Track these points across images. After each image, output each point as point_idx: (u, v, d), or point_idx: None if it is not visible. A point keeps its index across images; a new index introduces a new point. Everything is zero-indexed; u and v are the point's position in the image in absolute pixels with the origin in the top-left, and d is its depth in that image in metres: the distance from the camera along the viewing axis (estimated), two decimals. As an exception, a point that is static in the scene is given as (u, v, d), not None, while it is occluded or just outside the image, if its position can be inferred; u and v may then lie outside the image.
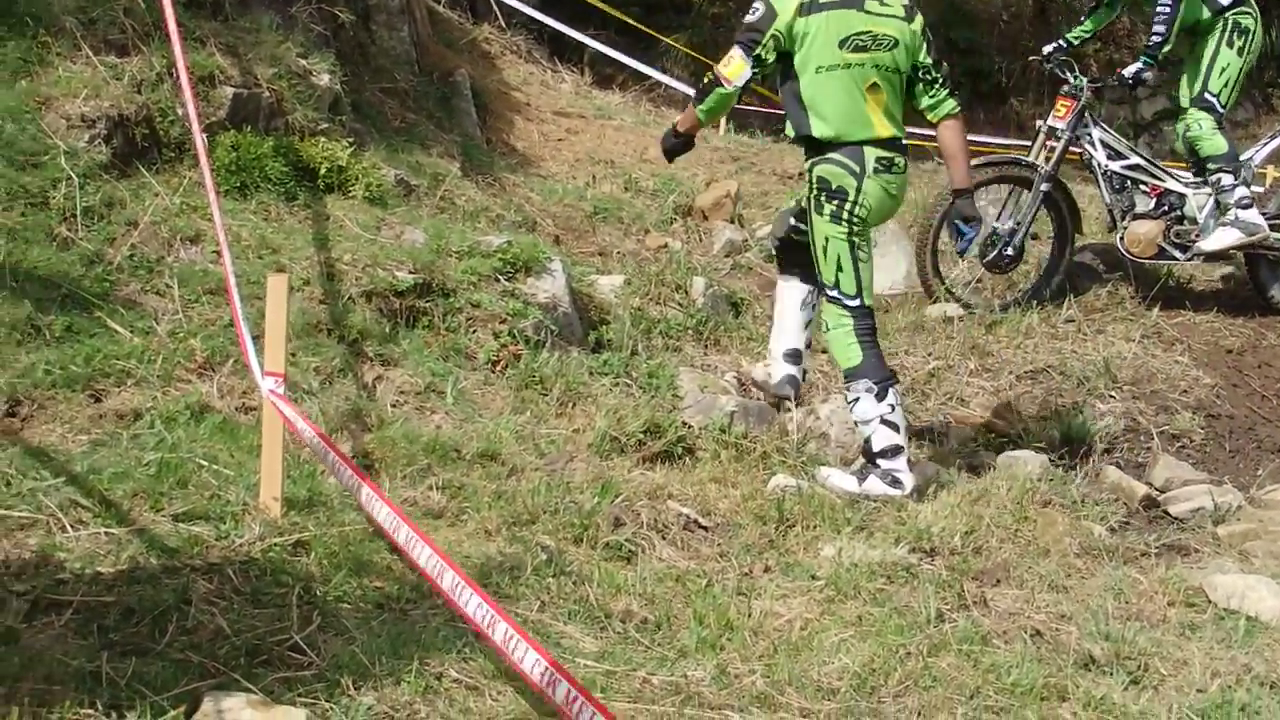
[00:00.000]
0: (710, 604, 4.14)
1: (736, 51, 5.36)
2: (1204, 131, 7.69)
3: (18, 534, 3.66)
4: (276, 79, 6.70)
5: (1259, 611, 4.52)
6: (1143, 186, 7.93)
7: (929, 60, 5.51)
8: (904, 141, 5.55)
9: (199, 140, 5.35)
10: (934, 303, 7.78)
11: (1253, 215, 7.61)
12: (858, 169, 5.37)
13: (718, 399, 5.91)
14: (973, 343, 7.12)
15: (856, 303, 5.45)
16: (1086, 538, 5.14)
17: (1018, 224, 7.76)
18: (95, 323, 4.93)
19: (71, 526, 3.72)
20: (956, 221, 5.76)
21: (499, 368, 5.78)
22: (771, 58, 5.36)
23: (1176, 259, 7.84)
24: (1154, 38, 7.70)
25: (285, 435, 4.11)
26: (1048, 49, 8.18)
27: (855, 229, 5.42)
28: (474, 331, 5.92)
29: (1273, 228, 7.72)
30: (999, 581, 4.67)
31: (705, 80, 5.53)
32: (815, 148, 5.46)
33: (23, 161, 5.44)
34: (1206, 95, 7.73)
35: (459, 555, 4.13)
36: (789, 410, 5.85)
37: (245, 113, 6.46)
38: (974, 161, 6.36)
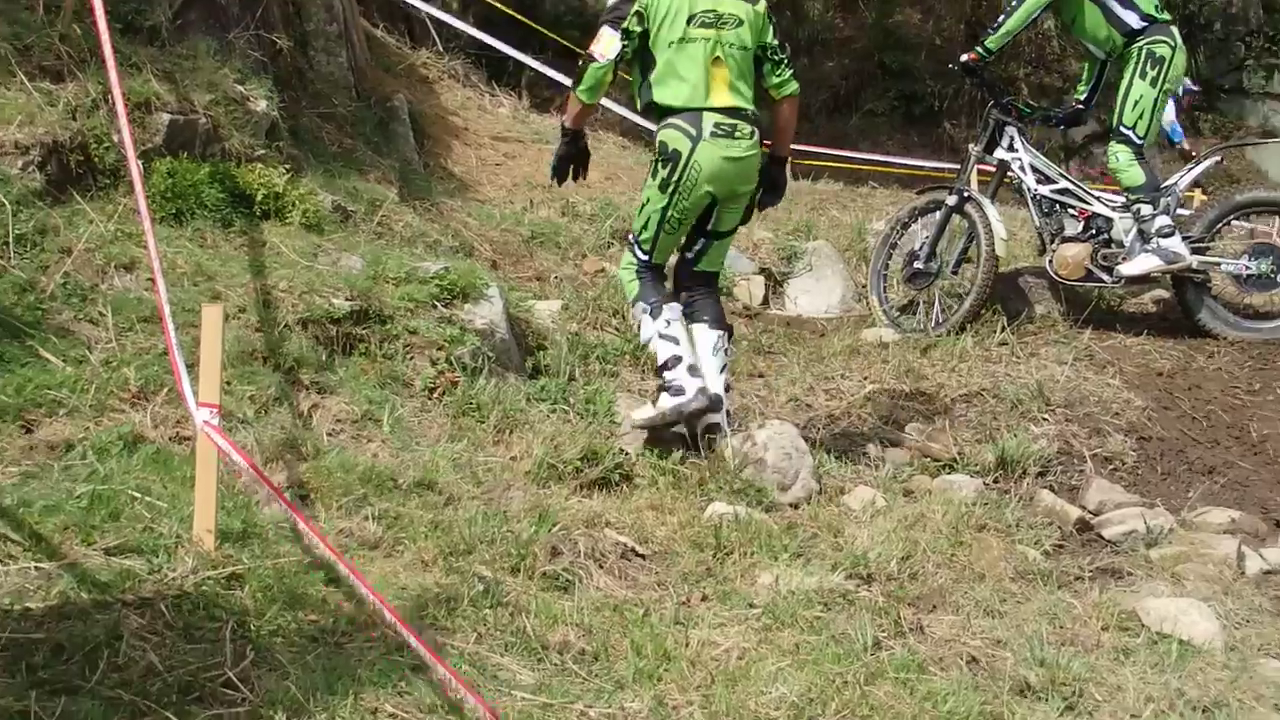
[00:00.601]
0: (648, 634, 4.16)
1: (604, 29, 5.82)
2: (1122, 164, 7.87)
3: (-54, 570, 3.62)
4: (213, 105, 6.66)
5: (1191, 635, 4.60)
6: (1071, 210, 8.10)
7: (774, 41, 5.94)
8: (752, 113, 5.87)
9: (134, 167, 5.31)
10: (870, 326, 7.86)
11: (1174, 243, 7.74)
12: (694, 133, 5.73)
13: (655, 425, 5.92)
14: (908, 366, 7.20)
15: (647, 259, 5.97)
16: (1021, 562, 5.20)
17: (927, 241, 7.92)
18: (27, 351, 4.87)
19: (0, 561, 3.67)
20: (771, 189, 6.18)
21: (436, 395, 5.76)
22: (637, 30, 5.77)
23: (1104, 281, 7.96)
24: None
25: (220, 467, 4.09)
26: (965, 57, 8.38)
27: (677, 199, 5.79)
28: (411, 358, 5.91)
29: (1196, 251, 7.85)
30: (935, 607, 4.72)
31: (579, 64, 5.91)
32: (661, 114, 5.84)
33: (-47, 188, 5.38)
34: (1122, 128, 7.90)
35: (395, 587, 4.12)
36: (726, 436, 5.88)
37: (182, 139, 6.42)
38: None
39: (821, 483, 5.78)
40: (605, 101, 13.69)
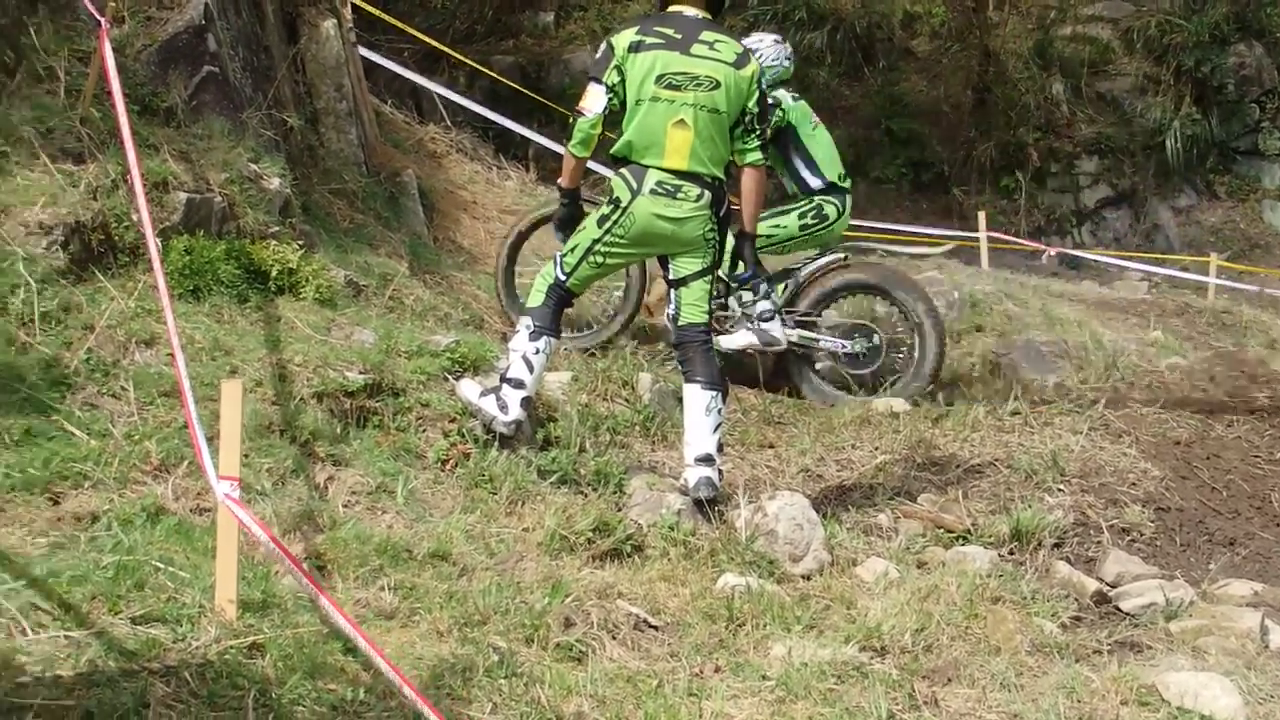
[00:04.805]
0: (661, 705, 4.19)
1: (590, 84, 6.01)
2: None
3: (-23, 639, 3.68)
4: (228, 184, 6.80)
5: (1214, 710, 4.53)
6: None
7: (755, 109, 6.02)
8: (709, 177, 5.97)
9: (153, 245, 5.41)
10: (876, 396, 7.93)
11: (773, 327, 8.14)
12: (635, 186, 5.94)
13: (665, 496, 5.99)
14: (919, 437, 7.24)
15: (564, 280, 6.18)
16: (1038, 635, 5.18)
17: None
18: (53, 425, 4.96)
19: (32, 629, 3.73)
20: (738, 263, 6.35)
21: (449, 467, 5.84)
22: (617, 82, 5.94)
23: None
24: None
25: (240, 538, 4.16)
26: None
27: (608, 240, 6.03)
28: (424, 431, 5.99)
29: (801, 326, 8.27)
30: (950, 680, 4.71)
31: (570, 121, 6.08)
32: (615, 162, 6.07)
33: (-19, 269, 5.49)
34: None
35: (412, 657, 4.18)
36: (738, 507, 5.93)
37: (198, 217, 6.54)
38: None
39: (834, 554, 5.82)
40: (610, 172, 13.89)
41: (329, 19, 9.36)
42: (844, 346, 8.28)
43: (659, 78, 5.91)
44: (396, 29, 15.20)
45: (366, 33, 13.18)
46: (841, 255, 8.55)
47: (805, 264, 8.49)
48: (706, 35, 6.02)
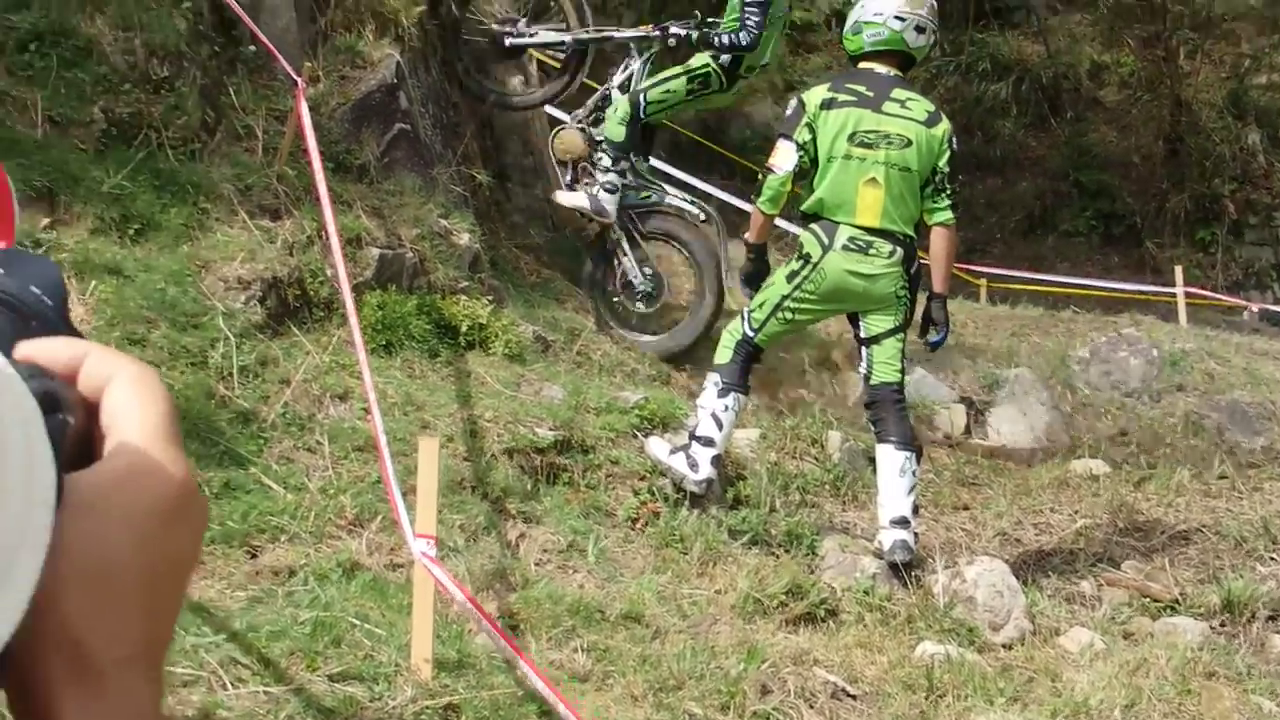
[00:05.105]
0: (866, 778, 4.03)
1: (780, 142, 5.99)
2: (615, 117, 8.20)
3: (181, 690, 3.68)
4: (419, 239, 6.87)
5: None
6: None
7: (946, 168, 5.95)
8: (900, 236, 5.90)
9: (348, 300, 5.46)
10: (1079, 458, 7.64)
11: (609, 200, 8.16)
12: (827, 241, 5.87)
13: (859, 559, 5.82)
14: (1120, 501, 6.95)
15: (751, 335, 6.10)
16: (1255, 714, 4.91)
17: None
18: (250, 478, 5.02)
19: (231, 684, 3.74)
20: (930, 325, 6.19)
21: (639, 525, 5.76)
22: (808, 140, 5.89)
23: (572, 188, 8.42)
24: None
25: (435, 596, 4.12)
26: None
27: (798, 296, 5.96)
28: (613, 488, 5.93)
29: (629, 238, 8.28)
30: (1164, 759, 4.48)
31: (759, 177, 6.09)
32: (806, 218, 6.02)
33: (184, 323, 5.59)
34: (641, 95, 8.18)
35: (608, 722, 4.09)
36: (934, 572, 5.74)
37: (390, 272, 6.62)
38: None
39: (1035, 622, 5.58)
40: (792, 227, 13.83)
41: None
42: (638, 278, 8.30)
43: (851, 135, 5.87)
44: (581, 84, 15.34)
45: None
46: (700, 216, 8.51)
47: (673, 195, 8.54)
48: (898, 93, 5.97)
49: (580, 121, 8.52)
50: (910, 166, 5.87)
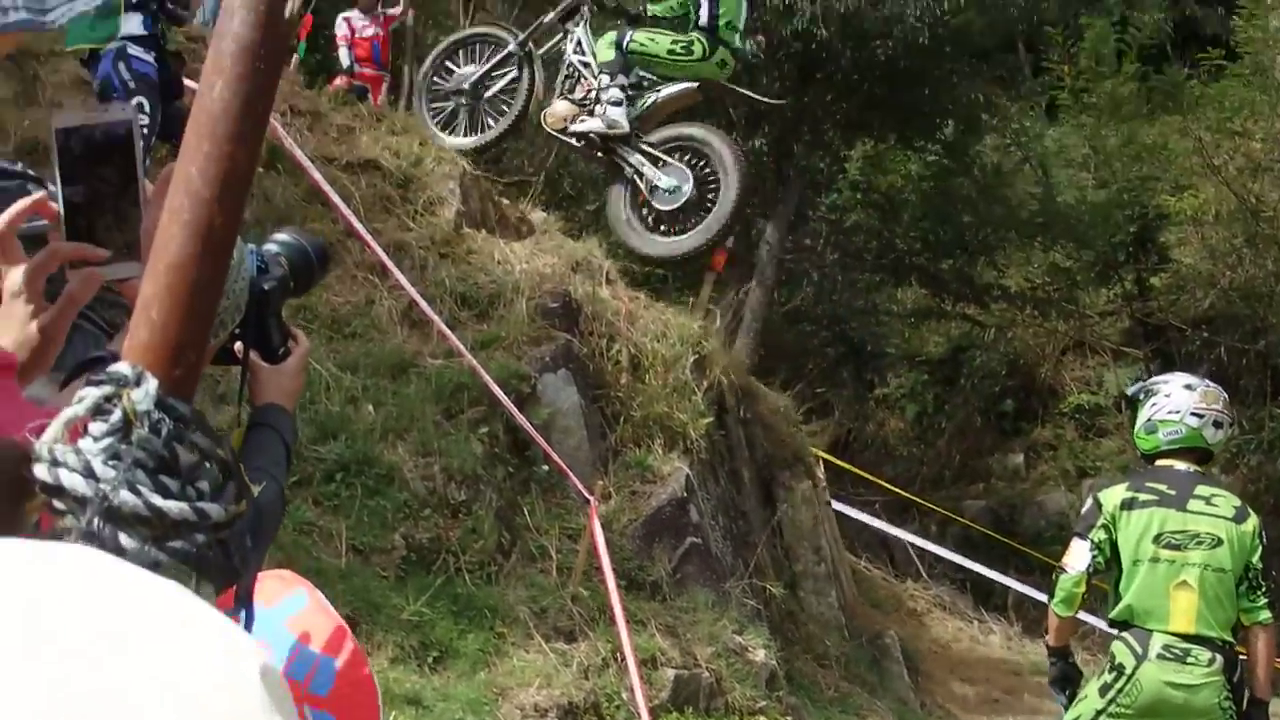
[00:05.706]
0: None
1: (1074, 540, 5.66)
2: (605, 41, 8.75)
3: None
4: (715, 658, 6.72)
5: None
6: (583, 81, 8.98)
7: (1260, 564, 5.53)
8: (1218, 642, 5.43)
9: (646, 727, 5.30)
10: None
11: (618, 112, 8.59)
12: (1140, 651, 5.42)
13: None
14: None
15: None
16: None
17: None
18: None
19: None
20: None
21: None
22: (1105, 540, 5.54)
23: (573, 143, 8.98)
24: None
25: None
26: None
27: (1113, 711, 5.46)
28: None
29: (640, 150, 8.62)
30: None
31: (1053, 576, 5.76)
32: (1114, 625, 5.61)
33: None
34: (629, 32, 8.70)
35: None
36: None
37: (686, 693, 6.46)
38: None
39: None
40: (1097, 621, 13.12)
41: (804, 481, 9.43)
42: (660, 179, 8.57)
43: (1157, 537, 5.54)
44: (865, 480, 15.27)
45: (834, 485, 13.27)
46: (693, 85, 8.80)
47: (664, 87, 8.80)
48: (1201, 490, 5.66)
49: (563, 95, 9.10)
50: (1224, 567, 5.51)
